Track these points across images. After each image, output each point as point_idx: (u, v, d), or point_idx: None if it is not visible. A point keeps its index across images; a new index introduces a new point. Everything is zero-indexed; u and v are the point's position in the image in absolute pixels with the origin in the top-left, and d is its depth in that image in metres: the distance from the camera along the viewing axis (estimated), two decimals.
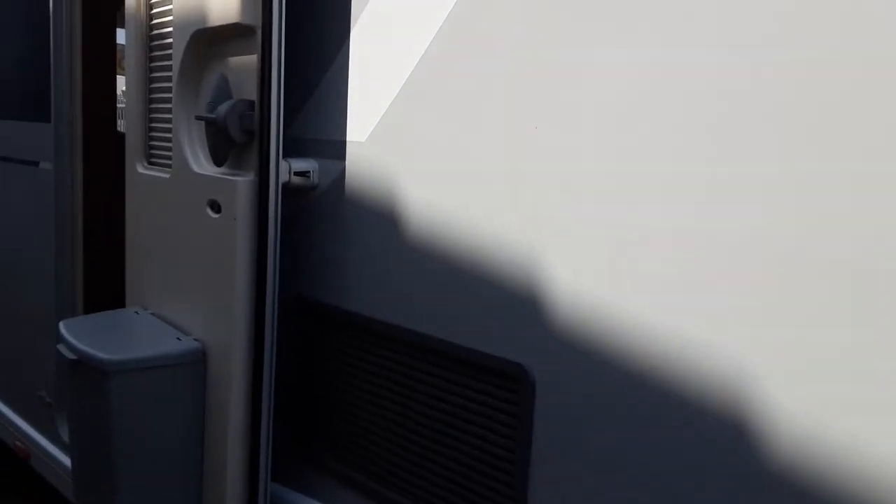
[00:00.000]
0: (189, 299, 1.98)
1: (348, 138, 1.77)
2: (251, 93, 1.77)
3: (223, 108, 1.75)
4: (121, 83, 2.87)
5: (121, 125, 2.86)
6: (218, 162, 1.86)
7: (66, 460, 2.56)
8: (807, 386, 1.10)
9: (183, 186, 1.95)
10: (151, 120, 2.15)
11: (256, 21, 1.69)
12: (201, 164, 1.92)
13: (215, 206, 1.83)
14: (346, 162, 1.77)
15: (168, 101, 2.02)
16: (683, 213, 1.21)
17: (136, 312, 2.16)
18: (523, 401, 1.44)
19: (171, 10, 1.96)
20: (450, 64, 1.53)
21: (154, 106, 2.13)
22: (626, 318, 1.29)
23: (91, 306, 2.67)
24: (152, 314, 2.13)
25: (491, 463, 1.52)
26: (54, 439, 2.75)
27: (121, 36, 2.93)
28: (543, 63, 1.38)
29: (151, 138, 2.16)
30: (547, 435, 1.42)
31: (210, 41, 1.87)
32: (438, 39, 1.54)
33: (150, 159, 2.17)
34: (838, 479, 1.07)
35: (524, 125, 1.41)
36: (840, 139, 1.06)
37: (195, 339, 1.92)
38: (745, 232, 1.15)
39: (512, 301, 1.45)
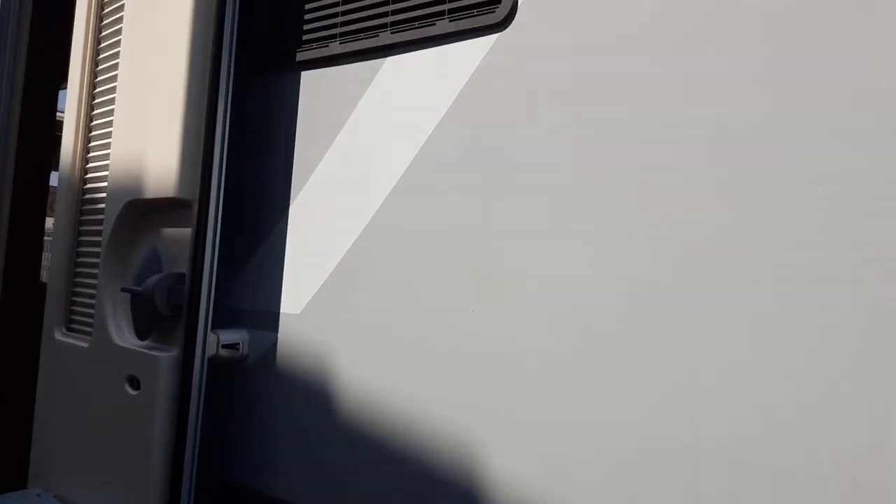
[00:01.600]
0: (99, 481, 1.82)
1: (282, 310, 1.73)
2: (182, 265, 1.73)
3: (151, 282, 1.70)
4: (49, 224, 2.79)
5: (45, 275, 2.75)
6: (141, 336, 1.78)
7: None
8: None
9: (102, 358, 1.84)
10: (76, 284, 2.07)
11: (193, 196, 1.68)
12: (124, 336, 1.83)
13: (134, 383, 1.73)
14: (279, 334, 1.72)
15: (95, 265, 1.95)
16: (625, 411, 1.20)
17: (37, 495, 1.96)
18: None
19: (106, 175, 1.94)
20: (387, 244, 1.54)
21: (80, 270, 2.06)
22: None
23: None
24: (55, 496, 1.94)
25: None
26: None
27: (54, 179, 2.89)
28: (481, 247, 1.40)
29: (73, 303, 2.07)
30: None
31: (144, 212, 1.85)
32: (376, 219, 1.56)
33: (70, 325, 2.06)
34: None
35: (461, 308, 1.41)
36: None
37: None
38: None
39: (452, 494, 1.38)
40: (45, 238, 2.85)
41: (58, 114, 2.66)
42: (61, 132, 2.11)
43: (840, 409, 1.00)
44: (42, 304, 2.15)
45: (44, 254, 2.97)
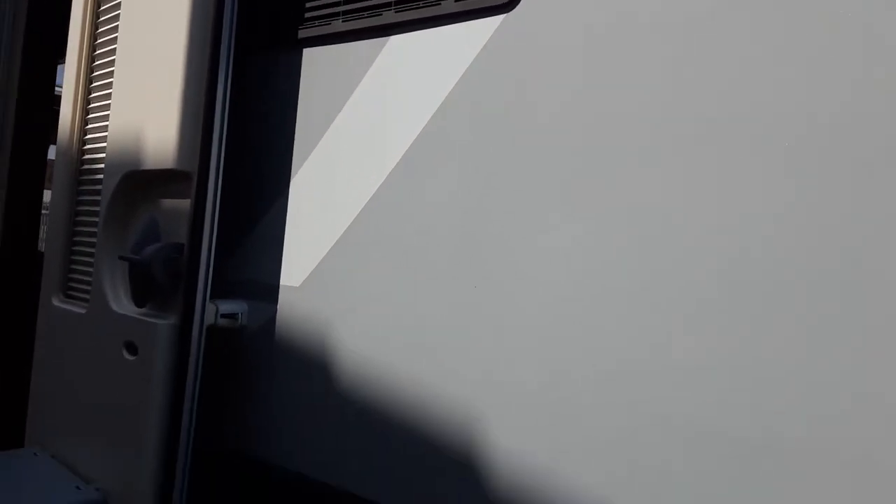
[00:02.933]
0: (95, 444, 1.85)
1: (282, 282, 1.75)
2: (181, 236, 1.76)
3: (149, 251, 1.72)
4: (48, 198, 2.80)
5: (42, 245, 2.77)
6: (139, 303, 1.81)
7: None
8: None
9: (99, 324, 1.87)
10: (73, 252, 2.09)
11: (193, 168, 1.70)
12: (121, 302, 1.86)
13: (132, 348, 1.76)
14: (279, 306, 1.75)
15: (93, 234, 1.97)
16: (624, 390, 1.24)
17: (34, 454, 2.00)
18: None
19: (104, 147, 1.96)
20: (390, 215, 1.55)
21: (78, 239, 2.08)
22: (567, 489, 1.27)
23: None
24: (52, 457, 1.98)
25: None
26: None
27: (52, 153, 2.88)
28: (482, 224, 1.41)
29: (72, 270, 2.09)
30: None
31: (142, 183, 1.87)
32: (378, 195, 1.57)
33: (68, 292, 2.09)
34: None
35: (463, 283, 1.42)
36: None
37: (97, 489, 1.79)
38: (697, 421, 1.18)
39: (449, 464, 1.41)
40: (43, 212, 2.86)
41: (56, 88, 2.66)
42: (59, 107, 2.12)
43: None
44: (40, 274, 2.17)
45: (41, 227, 2.98)
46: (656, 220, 1.20)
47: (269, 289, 1.78)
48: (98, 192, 1.97)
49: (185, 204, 1.75)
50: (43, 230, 2.89)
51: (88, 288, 1.96)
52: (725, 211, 1.14)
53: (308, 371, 1.67)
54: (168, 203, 1.82)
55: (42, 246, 2.75)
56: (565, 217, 1.31)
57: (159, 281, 1.72)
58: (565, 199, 1.31)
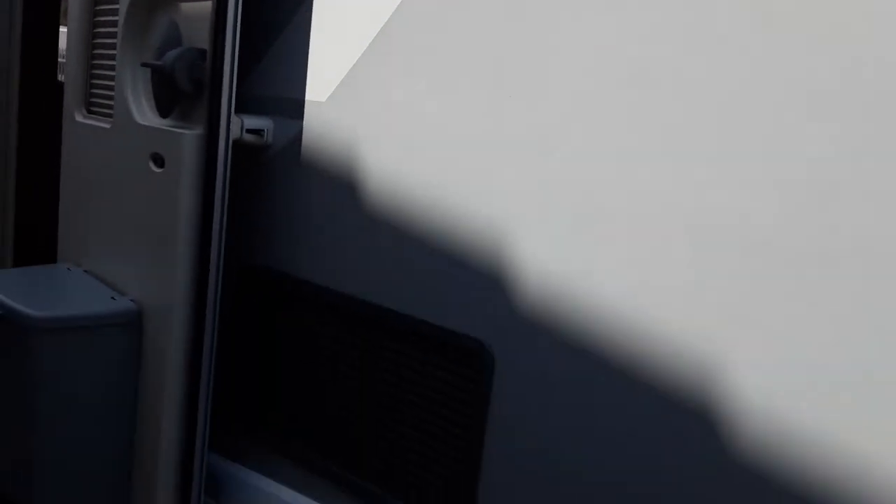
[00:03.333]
0: (126, 257, 1.86)
1: (307, 97, 1.68)
2: (203, 42, 1.66)
3: (171, 56, 1.64)
4: (64, 35, 2.72)
5: (62, 76, 2.70)
6: (163, 113, 1.75)
7: None
8: (782, 375, 1.08)
9: (124, 137, 1.83)
10: (94, 66, 2.02)
11: None
12: (145, 114, 1.80)
13: (158, 160, 1.72)
14: (304, 122, 1.69)
15: (112, 45, 1.89)
16: (657, 192, 1.18)
17: (67, 269, 2.03)
18: (481, 378, 1.39)
19: None
20: (421, 23, 1.46)
21: (97, 51, 2.00)
22: (591, 297, 1.25)
23: (23, 263, 2.52)
24: (85, 271, 2.01)
25: (444, 439, 1.47)
26: None
27: None
28: (521, 29, 1.32)
29: (93, 85, 2.03)
30: (503, 413, 1.38)
31: None
32: (408, 1, 1.47)
33: (91, 108, 2.03)
34: (808, 474, 1.06)
35: (497, 93, 1.35)
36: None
37: (131, 300, 1.82)
38: (721, 211, 1.12)
39: (474, 275, 1.40)
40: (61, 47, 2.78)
41: None
42: None
43: None
44: (60, 101, 2.11)
45: (59, 59, 2.91)
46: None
47: (294, 104, 1.71)
48: (116, 1, 1.86)
49: (206, 7, 1.65)
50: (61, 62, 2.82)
51: (111, 102, 1.90)
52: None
53: (335, 187, 1.63)
54: (188, 7, 1.72)
55: (62, 76, 2.69)
56: (610, 24, 1.20)
57: (182, 87, 1.65)
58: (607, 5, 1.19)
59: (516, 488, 1.36)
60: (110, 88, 1.91)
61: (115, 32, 1.85)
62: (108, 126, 1.90)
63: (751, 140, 1.09)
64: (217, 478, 1.86)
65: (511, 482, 1.37)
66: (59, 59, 2.84)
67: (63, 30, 2.67)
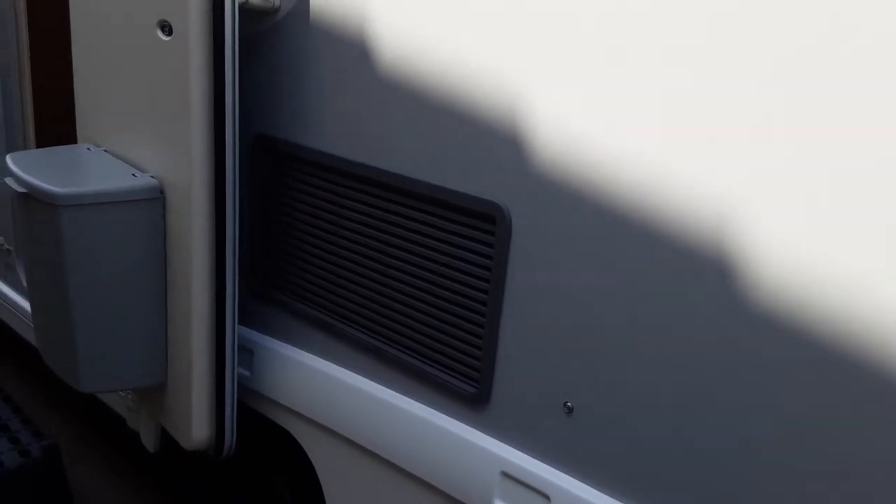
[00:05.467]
0: (143, 134, 1.84)
1: None
2: None
3: None
4: None
5: None
6: None
7: (28, 305, 2.50)
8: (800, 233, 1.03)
9: (130, 4, 1.76)
10: None
11: None
12: None
13: (166, 28, 1.65)
14: None
15: None
16: (682, 45, 1.10)
17: (87, 149, 2.02)
18: (499, 242, 1.37)
19: None
20: None
21: None
22: (609, 158, 1.21)
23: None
24: (105, 151, 1.99)
25: (463, 304, 1.47)
26: (15, 285, 2.68)
27: None
28: None
29: None
30: (522, 277, 1.36)
31: None
32: None
33: None
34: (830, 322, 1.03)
35: None
36: None
37: (151, 177, 1.81)
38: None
39: (490, 138, 1.36)
40: None
41: None
42: None
43: None
44: None
45: None
46: None
47: None
48: None
49: None
50: None
51: None
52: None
53: (345, 55, 1.56)
54: None
55: None
56: None
57: None
58: None
59: (535, 351, 1.36)
60: None
61: None
62: None
63: None
64: (247, 348, 1.91)
65: (530, 346, 1.37)
66: None
67: None
